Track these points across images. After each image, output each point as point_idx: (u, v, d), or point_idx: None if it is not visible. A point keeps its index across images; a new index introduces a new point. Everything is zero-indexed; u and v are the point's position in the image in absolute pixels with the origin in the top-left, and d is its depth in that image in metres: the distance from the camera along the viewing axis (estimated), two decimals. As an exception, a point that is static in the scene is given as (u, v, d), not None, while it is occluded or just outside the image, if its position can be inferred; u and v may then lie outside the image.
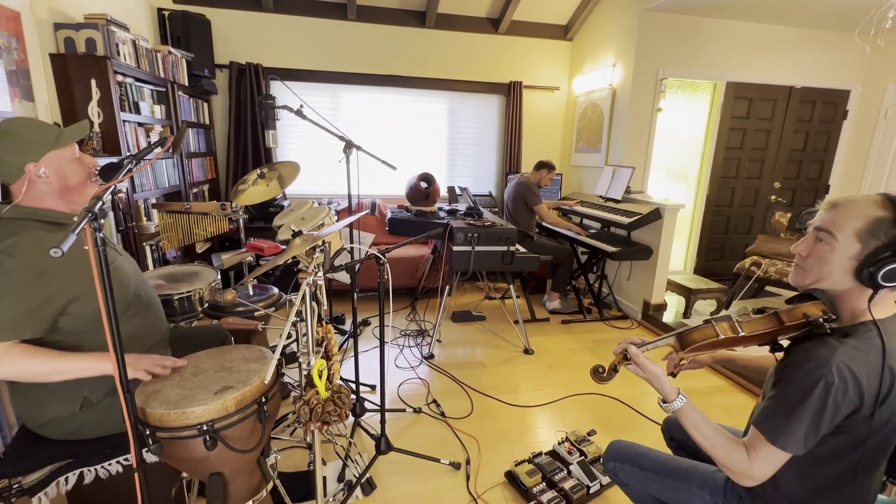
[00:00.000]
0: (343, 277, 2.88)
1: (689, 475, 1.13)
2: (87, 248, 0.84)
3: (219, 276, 1.96)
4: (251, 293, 2.03)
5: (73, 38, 2.29)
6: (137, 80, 2.69)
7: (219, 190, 4.03)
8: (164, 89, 3.03)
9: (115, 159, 2.23)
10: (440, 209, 3.45)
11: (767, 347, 1.04)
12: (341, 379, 1.53)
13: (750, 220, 4.38)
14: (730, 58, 3.81)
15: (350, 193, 2.05)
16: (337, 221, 1.84)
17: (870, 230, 0.85)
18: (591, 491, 1.71)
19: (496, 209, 4.46)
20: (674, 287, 3.52)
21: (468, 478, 1.83)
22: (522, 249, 3.11)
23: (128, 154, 2.49)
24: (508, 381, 2.60)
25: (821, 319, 0.92)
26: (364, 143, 2.09)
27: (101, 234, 0.86)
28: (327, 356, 1.32)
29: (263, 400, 1.12)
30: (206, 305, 1.84)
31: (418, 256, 3.82)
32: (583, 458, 1.83)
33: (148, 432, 1.00)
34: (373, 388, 2.46)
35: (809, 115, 4.19)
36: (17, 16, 2.01)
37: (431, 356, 2.87)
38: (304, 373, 1.32)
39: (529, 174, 3.75)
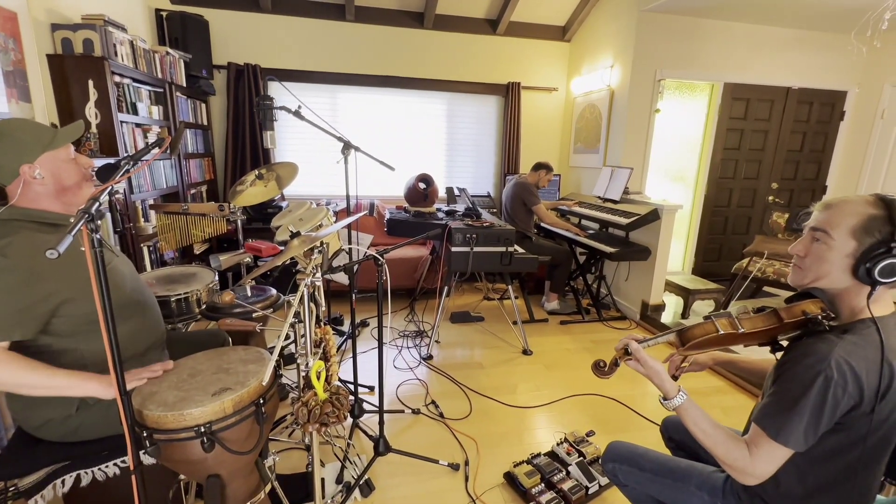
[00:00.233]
0: (341, 278, 2.88)
1: (688, 476, 1.13)
2: (83, 249, 0.84)
3: (217, 278, 1.95)
4: (249, 294, 2.03)
5: (71, 38, 2.28)
6: (135, 80, 2.68)
7: (217, 191, 4.02)
8: (161, 90, 3.02)
9: (112, 160, 2.22)
10: (439, 210, 3.45)
11: (768, 348, 1.04)
12: (340, 380, 1.52)
13: (748, 220, 4.40)
14: (727, 59, 3.82)
15: (348, 194, 2.06)
16: (335, 222, 1.84)
17: (864, 227, 0.87)
18: (590, 492, 1.71)
19: (494, 210, 4.47)
20: (672, 287, 3.53)
21: (467, 479, 1.83)
22: (521, 250, 3.11)
23: (125, 155, 2.48)
24: (507, 382, 2.60)
25: (819, 316, 0.92)
26: (362, 144, 2.09)
27: (98, 236, 0.85)
28: (325, 357, 1.32)
29: (261, 401, 1.12)
30: (203, 307, 1.83)
31: (417, 257, 3.82)
32: (581, 458, 1.83)
33: (145, 434, 1.00)
34: (371, 389, 2.45)
35: (806, 116, 4.21)
36: (13, 16, 2.00)
37: (430, 357, 2.87)
38: (303, 374, 1.32)
39: (528, 175, 3.76)
